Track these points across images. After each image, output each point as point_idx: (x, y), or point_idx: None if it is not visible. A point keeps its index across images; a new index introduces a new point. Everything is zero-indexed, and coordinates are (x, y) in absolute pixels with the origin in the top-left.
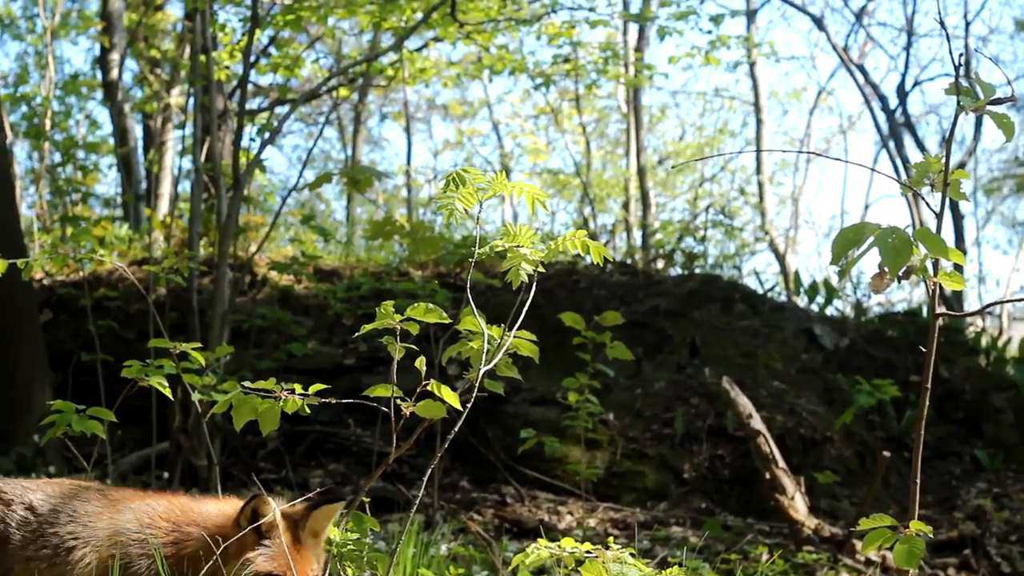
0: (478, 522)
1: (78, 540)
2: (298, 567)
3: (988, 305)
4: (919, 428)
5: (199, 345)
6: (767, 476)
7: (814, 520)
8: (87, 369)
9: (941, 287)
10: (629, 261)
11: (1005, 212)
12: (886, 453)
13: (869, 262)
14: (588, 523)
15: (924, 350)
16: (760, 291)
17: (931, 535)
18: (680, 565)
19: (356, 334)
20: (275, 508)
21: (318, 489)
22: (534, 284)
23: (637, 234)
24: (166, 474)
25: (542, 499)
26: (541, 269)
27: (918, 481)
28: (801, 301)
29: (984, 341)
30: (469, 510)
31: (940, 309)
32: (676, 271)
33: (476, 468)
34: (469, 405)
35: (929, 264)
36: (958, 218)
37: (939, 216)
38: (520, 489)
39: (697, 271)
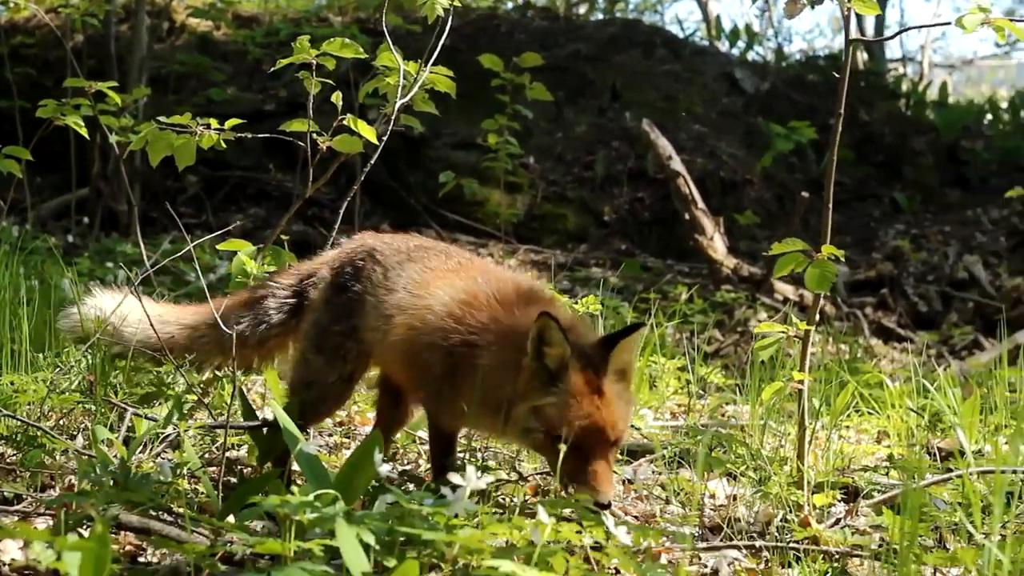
0: None
1: (399, 309)
2: (598, 419)
3: (903, 30)
4: (832, 152)
5: (115, 84)
6: (686, 217)
7: (733, 260)
8: (5, 117)
9: (859, 18)
10: (550, 6)
11: None
12: (805, 194)
13: None
14: (508, 264)
15: (838, 76)
16: (681, 36)
17: (843, 259)
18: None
19: (272, 69)
20: (566, 344)
21: (238, 224)
22: (450, 21)
23: None
24: (86, 219)
25: (463, 241)
26: (458, 4)
27: (831, 206)
28: (723, 46)
29: (905, 86)
30: None
31: (855, 36)
32: (598, 16)
33: (397, 212)
34: (385, 139)
35: None
36: None
37: None
38: (441, 232)
39: (618, 16)
